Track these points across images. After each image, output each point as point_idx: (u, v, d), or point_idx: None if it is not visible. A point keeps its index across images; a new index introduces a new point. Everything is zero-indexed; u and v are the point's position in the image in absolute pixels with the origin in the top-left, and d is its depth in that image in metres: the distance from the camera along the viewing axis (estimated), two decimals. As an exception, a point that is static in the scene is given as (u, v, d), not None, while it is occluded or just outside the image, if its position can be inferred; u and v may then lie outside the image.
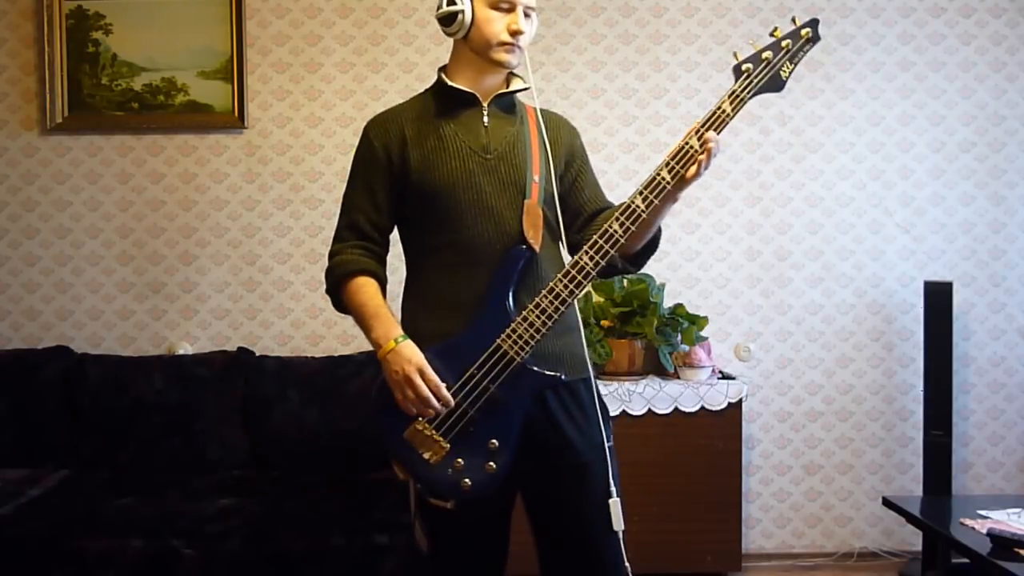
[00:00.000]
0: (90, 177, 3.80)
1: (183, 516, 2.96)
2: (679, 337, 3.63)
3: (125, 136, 3.80)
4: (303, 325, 3.81)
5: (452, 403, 1.90)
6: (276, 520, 2.98)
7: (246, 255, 3.82)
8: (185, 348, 3.79)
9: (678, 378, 3.58)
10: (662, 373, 3.63)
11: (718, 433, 3.49)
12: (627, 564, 1.96)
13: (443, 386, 1.89)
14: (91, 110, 3.77)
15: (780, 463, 3.89)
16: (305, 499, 3.15)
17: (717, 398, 3.50)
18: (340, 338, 3.80)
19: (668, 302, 3.74)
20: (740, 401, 3.52)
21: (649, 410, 3.48)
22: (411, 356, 1.89)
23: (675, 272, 3.86)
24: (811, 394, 3.90)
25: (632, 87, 3.87)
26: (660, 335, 3.59)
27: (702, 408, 3.49)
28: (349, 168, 2.10)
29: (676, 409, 3.48)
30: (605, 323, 3.60)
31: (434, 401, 1.88)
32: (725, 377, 3.62)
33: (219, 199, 3.81)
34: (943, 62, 3.89)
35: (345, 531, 2.90)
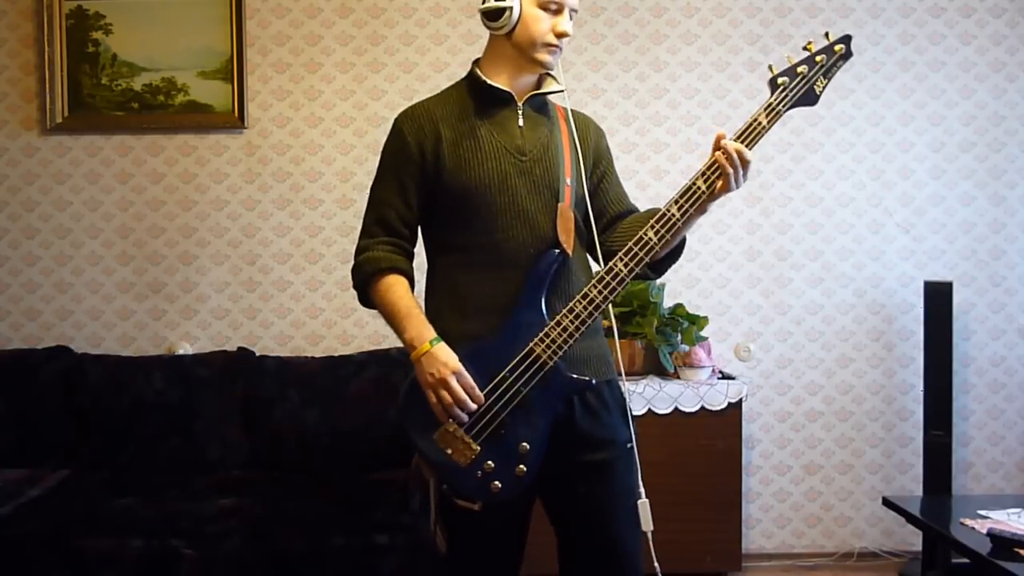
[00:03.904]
0: (90, 177, 3.80)
1: (183, 516, 2.96)
2: (679, 337, 3.63)
3: (125, 136, 3.80)
4: (303, 325, 3.81)
5: (484, 404, 1.90)
6: (276, 520, 2.98)
7: (246, 255, 3.82)
8: (185, 348, 3.79)
9: (678, 378, 3.58)
10: (662, 373, 3.63)
11: (718, 433, 3.49)
12: (656, 564, 1.96)
13: (477, 389, 1.89)
14: (91, 110, 3.77)
15: (780, 463, 3.88)
16: (305, 499, 3.15)
17: (717, 398, 3.50)
18: (340, 338, 3.80)
19: (668, 302, 3.74)
20: (740, 401, 3.52)
21: (649, 410, 3.48)
22: (447, 360, 1.88)
23: (675, 272, 3.80)
24: (811, 394, 3.90)
25: (632, 87, 3.87)
26: (660, 335, 3.59)
27: (702, 408, 3.49)
28: (377, 162, 2.07)
29: (676, 409, 3.48)
30: (605, 323, 3.59)
31: (470, 404, 1.88)
32: (725, 377, 3.62)
33: (219, 199, 3.81)
34: (943, 62, 3.89)
35: (345, 531, 2.90)
